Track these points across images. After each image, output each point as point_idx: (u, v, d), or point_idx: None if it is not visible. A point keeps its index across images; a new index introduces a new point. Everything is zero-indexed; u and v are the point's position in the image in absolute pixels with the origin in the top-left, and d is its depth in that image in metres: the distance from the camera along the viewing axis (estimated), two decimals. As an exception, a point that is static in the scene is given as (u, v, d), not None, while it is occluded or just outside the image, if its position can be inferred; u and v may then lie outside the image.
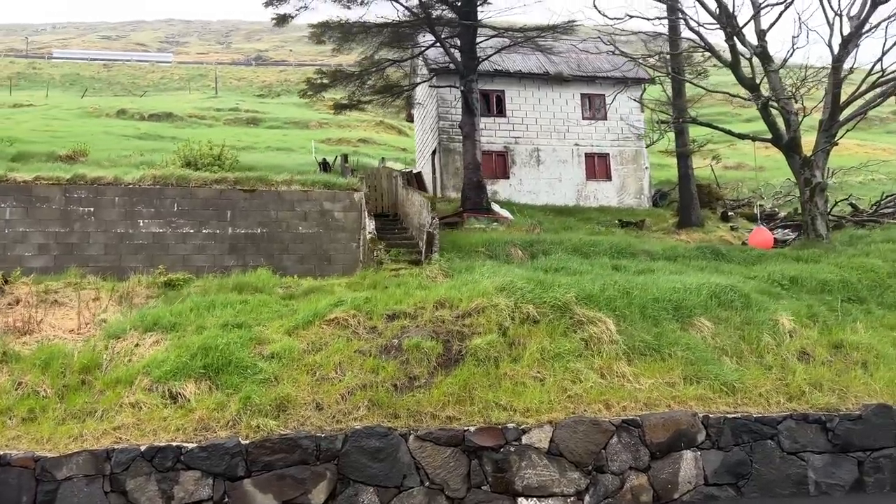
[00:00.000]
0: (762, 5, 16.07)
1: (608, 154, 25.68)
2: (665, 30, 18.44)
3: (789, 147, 17.51)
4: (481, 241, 15.40)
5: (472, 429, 7.99)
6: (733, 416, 8.63)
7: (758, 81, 17.49)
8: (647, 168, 26.10)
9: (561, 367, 9.20)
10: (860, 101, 17.72)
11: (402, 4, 19.48)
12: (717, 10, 15.76)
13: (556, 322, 9.98)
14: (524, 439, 8.01)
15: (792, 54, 17.49)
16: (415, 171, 18.93)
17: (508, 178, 24.95)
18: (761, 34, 17.78)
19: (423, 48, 21.51)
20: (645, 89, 25.70)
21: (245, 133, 53.86)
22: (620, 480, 8.12)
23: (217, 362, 8.69)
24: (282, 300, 11.21)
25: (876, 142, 48.48)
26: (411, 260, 14.20)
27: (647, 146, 17.97)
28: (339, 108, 21.97)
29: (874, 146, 45.32)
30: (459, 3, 19.78)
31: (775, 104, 16.79)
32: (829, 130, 17.35)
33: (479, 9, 20.89)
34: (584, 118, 25.58)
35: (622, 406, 8.66)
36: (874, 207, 20.84)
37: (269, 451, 7.51)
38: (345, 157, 21.54)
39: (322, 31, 21.02)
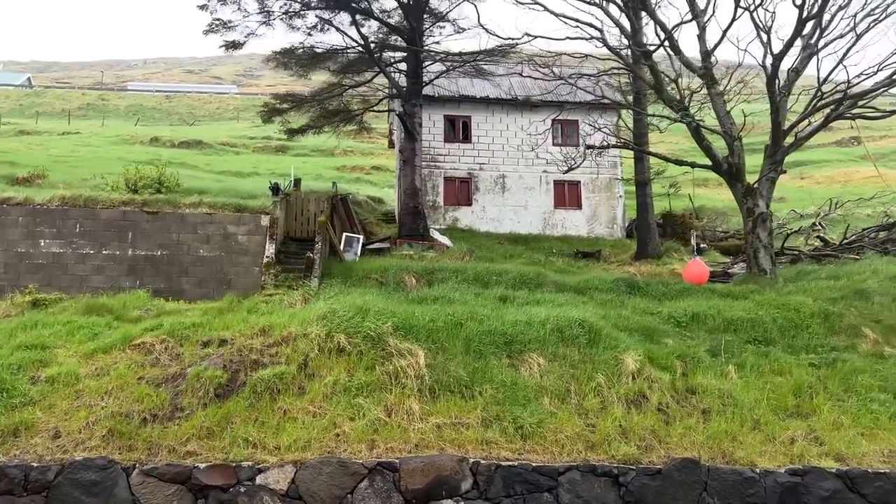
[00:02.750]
0: (672, 29, 15.16)
1: (579, 182, 24.79)
2: (597, 50, 17.61)
3: (730, 174, 16.37)
4: (379, 267, 14.88)
5: (202, 466, 7.48)
6: (509, 463, 7.81)
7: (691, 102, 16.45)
8: (621, 196, 25.06)
9: (345, 402, 8.61)
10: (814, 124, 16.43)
11: (343, 33, 19.39)
12: (630, 31, 14.93)
13: (366, 353, 9.41)
14: (259, 479, 7.44)
15: (731, 76, 16.41)
16: (340, 196, 18.57)
17: (471, 204, 24.36)
18: (705, 55, 16.82)
19: (375, 73, 21.33)
20: (620, 115, 24.77)
21: (266, 160, 55.12)
22: (368, 530, 7.43)
23: (-23, 383, 8.48)
24: (111, 323, 11.00)
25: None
26: (295, 286, 13.82)
27: (565, 172, 17.04)
28: (290, 132, 21.97)
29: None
30: (405, 31, 19.59)
31: (707, 127, 15.75)
32: (773, 157, 16.15)
33: (437, 32, 20.70)
34: (554, 144, 24.81)
35: (388, 447, 7.98)
36: (841, 241, 19.23)
37: (-23, 478, 7.19)
38: (296, 182, 21.44)
39: (285, 58, 21.26)
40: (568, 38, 14.68)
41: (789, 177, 52.15)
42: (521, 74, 16.79)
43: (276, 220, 16.06)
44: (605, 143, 17.06)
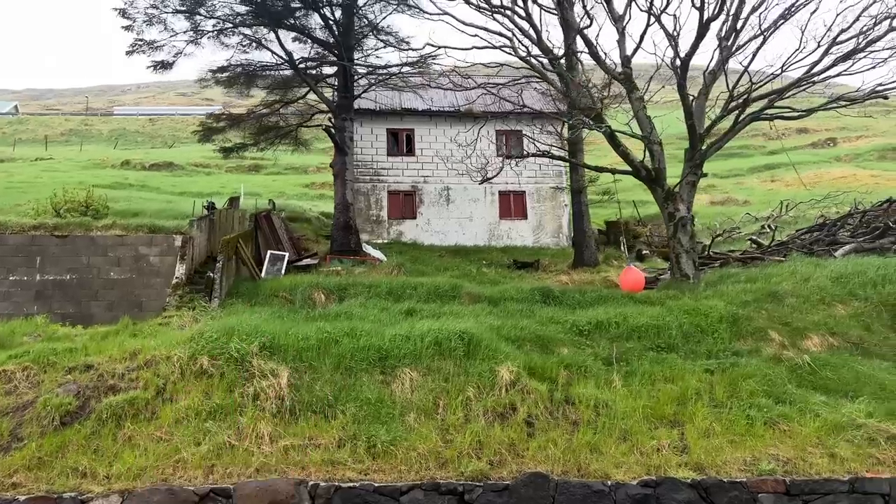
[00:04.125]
0: (580, 30, 15.05)
1: (525, 192, 24.65)
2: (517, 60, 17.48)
3: (650, 179, 16.22)
4: (290, 284, 14.65)
5: (22, 498, 7.20)
6: (350, 485, 7.54)
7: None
8: (566, 206, 24.93)
9: (195, 427, 8.34)
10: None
11: (269, 50, 19.27)
12: (536, 37, 14.81)
13: (227, 375, 9.15)
14: (81, 511, 7.16)
15: (651, 79, 16.30)
16: (264, 213, 18.37)
17: (416, 217, 24.19)
18: (625, 60, 16.73)
19: (308, 89, 21.22)
20: (564, 124, 24.64)
21: (237, 179, 54.88)
22: (197, 560, 7.14)
23: None
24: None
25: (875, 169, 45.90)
26: (198, 307, 13.56)
27: (481, 182, 16.88)
28: (224, 151, 21.81)
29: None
30: (332, 46, 19.49)
31: (623, 132, 15.61)
32: (692, 161, 16.01)
33: (366, 47, 20.59)
34: (498, 155, 24.67)
35: (227, 472, 7.70)
36: (770, 244, 19.05)
37: None
38: (232, 200, 21.27)
39: (218, 76, 21.14)
40: (475, 47, 14.55)
41: (759, 179, 52.61)
42: (429, 86, 16.62)
43: (192, 239, 15.81)
44: (525, 153, 16.89)
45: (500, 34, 15.15)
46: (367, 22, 20.54)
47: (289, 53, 18.92)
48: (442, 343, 10.07)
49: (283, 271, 17.10)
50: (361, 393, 9.05)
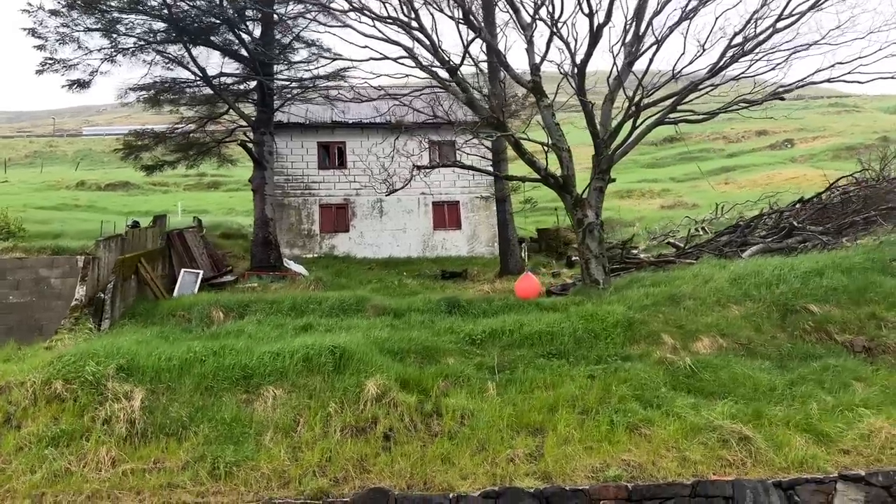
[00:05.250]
0: (473, 38, 15.10)
1: (458, 202, 24.65)
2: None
3: (559, 186, 16.25)
4: (189, 303, 14.43)
5: None
6: (179, 510, 7.37)
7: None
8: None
9: (35, 455, 8.10)
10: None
11: (184, 66, 19.09)
12: (432, 47, 14.84)
13: (82, 399, 8.93)
14: None
15: (558, 87, 16.38)
16: (177, 231, 18.13)
17: (349, 231, 24.07)
18: (534, 68, 16.80)
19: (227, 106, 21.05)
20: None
21: (193, 197, 54.45)
22: None
23: None
24: None
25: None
26: (89, 329, 13.29)
27: (388, 194, 16.84)
28: (146, 169, 21.55)
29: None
30: (248, 61, 19.37)
31: (529, 139, 15.65)
32: (598, 166, 16.08)
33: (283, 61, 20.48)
34: (424, 167, 24.60)
35: (56, 500, 7.48)
36: (685, 246, 19.20)
37: None
38: (156, 219, 20.94)
39: (137, 93, 20.94)
40: (371, 58, 14.53)
41: (714, 182, 53.23)
42: (343, 98, 16.58)
43: (95, 260, 15.50)
44: (432, 163, 16.89)
45: (401, 44, 15.15)
46: (291, 36, 20.48)
47: (203, 70, 18.78)
48: (312, 359, 9.94)
49: (195, 289, 16.87)
50: (218, 413, 8.89)
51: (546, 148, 15.51)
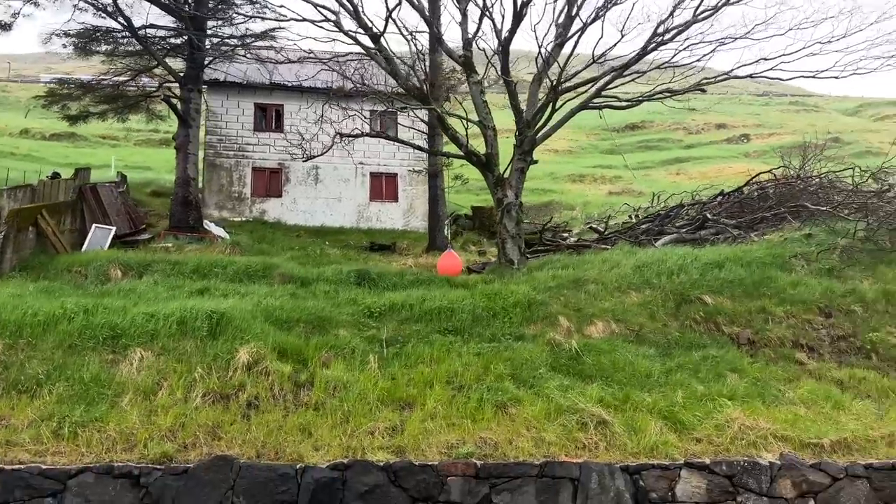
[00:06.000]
0: (394, 8, 14.82)
1: (397, 174, 24.43)
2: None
3: (481, 164, 16.18)
4: (88, 260, 14.06)
5: None
6: (15, 467, 7.16)
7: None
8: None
9: None
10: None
11: (111, 16, 18.33)
12: (354, 12, 14.55)
13: (-65, 351, 8.62)
14: None
15: (488, 64, 16.23)
16: (91, 185, 17.59)
17: (281, 196, 23.70)
18: (467, 43, 16.58)
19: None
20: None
21: (140, 153, 53.09)
22: None
23: None
24: None
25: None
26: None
27: (305, 160, 16.61)
28: (69, 119, 20.82)
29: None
30: (177, 12, 18.72)
31: (453, 115, 15.51)
32: (521, 147, 16.03)
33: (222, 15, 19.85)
34: (371, 135, 24.29)
35: None
36: (604, 232, 19.41)
37: None
38: (78, 171, 20.29)
39: (63, 40, 20.10)
40: (293, 19, 14.17)
41: (667, 172, 53.93)
42: (271, 60, 16.17)
43: (-2, 210, 14.97)
44: (355, 132, 16.65)
45: (328, 7, 14.80)
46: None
47: (128, 20, 18.07)
48: (187, 322, 9.75)
49: (106, 245, 16.43)
50: (77, 372, 8.67)
51: (466, 124, 15.37)
